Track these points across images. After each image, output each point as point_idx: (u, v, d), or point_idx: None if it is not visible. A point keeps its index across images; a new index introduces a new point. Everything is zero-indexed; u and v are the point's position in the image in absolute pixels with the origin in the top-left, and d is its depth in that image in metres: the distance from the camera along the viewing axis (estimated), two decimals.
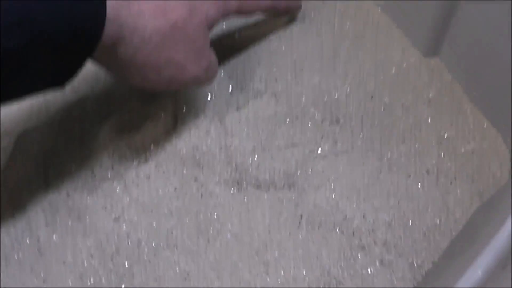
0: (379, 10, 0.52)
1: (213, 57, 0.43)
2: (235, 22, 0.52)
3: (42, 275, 0.43)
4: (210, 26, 0.41)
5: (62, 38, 0.31)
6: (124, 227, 0.44)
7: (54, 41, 0.31)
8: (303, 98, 0.47)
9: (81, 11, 0.32)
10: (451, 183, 0.44)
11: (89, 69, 0.45)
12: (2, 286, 0.42)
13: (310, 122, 0.47)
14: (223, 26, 0.52)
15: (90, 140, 0.46)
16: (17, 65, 0.31)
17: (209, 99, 0.48)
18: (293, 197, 0.44)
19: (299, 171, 0.45)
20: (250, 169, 0.45)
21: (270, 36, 0.51)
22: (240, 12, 0.44)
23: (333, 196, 0.44)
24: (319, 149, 0.46)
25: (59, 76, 0.34)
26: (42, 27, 0.30)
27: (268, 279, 0.42)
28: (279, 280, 0.41)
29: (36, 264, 0.43)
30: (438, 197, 0.44)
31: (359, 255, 0.42)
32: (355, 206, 0.44)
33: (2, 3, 0.28)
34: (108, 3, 0.33)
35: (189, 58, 0.39)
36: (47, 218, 0.44)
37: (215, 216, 0.44)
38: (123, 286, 0.42)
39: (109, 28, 0.34)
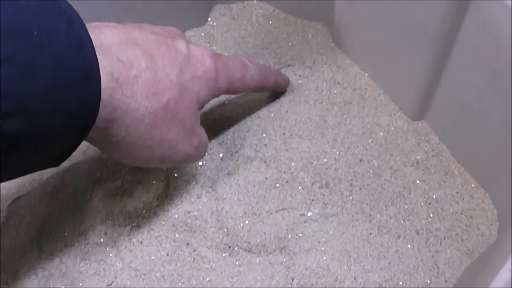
0: (366, 76, 0.53)
1: (203, 134, 0.43)
2: None
3: None
4: (201, 106, 0.42)
5: (59, 125, 0.31)
6: None
7: (51, 128, 0.31)
8: (293, 163, 0.48)
9: (78, 99, 0.31)
10: (440, 243, 0.44)
11: None
12: None
13: (300, 186, 0.47)
14: None
15: (83, 206, 0.47)
16: (14, 149, 0.30)
17: (200, 164, 0.49)
18: (284, 261, 0.45)
19: (289, 235, 0.45)
20: (242, 233, 0.46)
21: (259, 104, 0.52)
22: (229, 92, 0.45)
23: (324, 259, 0.44)
24: (309, 212, 0.46)
25: (54, 158, 0.34)
26: (41, 115, 0.29)
27: None
28: None
29: None
30: (428, 258, 0.44)
31: None
32: (345, 268, 0.44)
33: (2, 87, 0.27)
34: (102, 85, 0.32)
35: (180, 138, 0.40)
36: (40, 284, 0.44)
37: (207, 280, 0.44)
38: None
39: (103, 111, 0.33)
